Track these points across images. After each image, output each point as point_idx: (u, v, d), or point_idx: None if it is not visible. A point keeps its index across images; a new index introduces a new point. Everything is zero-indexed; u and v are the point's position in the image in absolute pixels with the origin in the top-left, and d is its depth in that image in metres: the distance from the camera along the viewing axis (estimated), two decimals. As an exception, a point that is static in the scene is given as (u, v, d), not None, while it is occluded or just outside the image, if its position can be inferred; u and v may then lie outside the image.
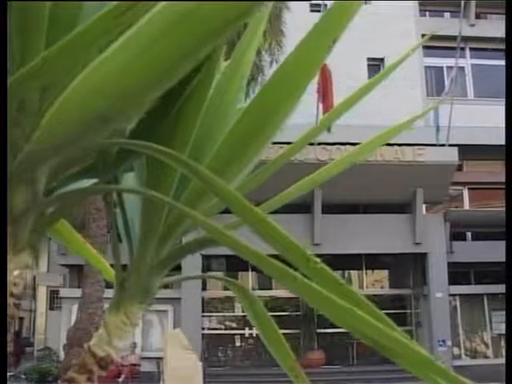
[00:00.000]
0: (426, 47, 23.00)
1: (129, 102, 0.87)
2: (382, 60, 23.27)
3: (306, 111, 18.59)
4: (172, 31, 0.81)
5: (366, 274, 22.19)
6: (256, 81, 18.38)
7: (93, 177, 1.15)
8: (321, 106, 17.68)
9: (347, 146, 16.25)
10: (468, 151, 20.76)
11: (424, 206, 20.89)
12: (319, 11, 18.77)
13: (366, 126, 20.58)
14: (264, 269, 0.92)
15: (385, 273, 22.68)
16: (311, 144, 16.20)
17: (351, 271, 22.44)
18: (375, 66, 23.11)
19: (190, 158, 1.11)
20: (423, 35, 23.11)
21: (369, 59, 23.11)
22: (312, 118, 17.88)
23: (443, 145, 19.85)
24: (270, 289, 21.54)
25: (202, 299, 20.36)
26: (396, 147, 19.25)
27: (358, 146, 1.28)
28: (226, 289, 20.84)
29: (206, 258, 19.44)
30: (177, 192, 1.19)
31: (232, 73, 1.32)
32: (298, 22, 20.33)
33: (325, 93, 17.73)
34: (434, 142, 19.94)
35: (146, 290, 1.18)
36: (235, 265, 21.13)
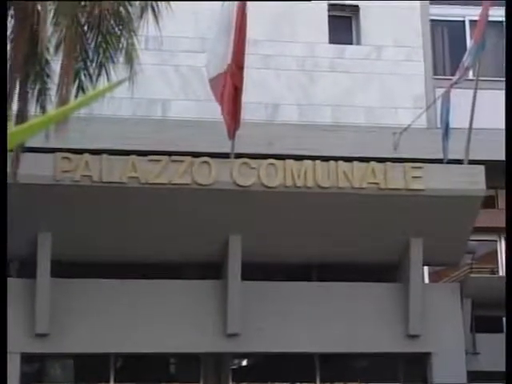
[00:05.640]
0: (434, -12, 22.47)
1: None
2: (355, 9, 20.28)
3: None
4: None
5: (334, 388, 20.91)
6: (117, 45, 15.46)
7: None
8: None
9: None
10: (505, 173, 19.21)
11: (426, 268, 18.49)
12: None
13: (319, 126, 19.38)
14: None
15: (359, 387, 21.68)
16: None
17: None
18: (344, 18, 20.18)
19: None
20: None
21: (331, 7, 19.99)
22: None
23: (459, 161, 17.06)
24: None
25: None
26: (373, 164, 16.47)
27: None
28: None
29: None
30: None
31: None
32: None
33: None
34: (442, 157, 17.42)
35: None
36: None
